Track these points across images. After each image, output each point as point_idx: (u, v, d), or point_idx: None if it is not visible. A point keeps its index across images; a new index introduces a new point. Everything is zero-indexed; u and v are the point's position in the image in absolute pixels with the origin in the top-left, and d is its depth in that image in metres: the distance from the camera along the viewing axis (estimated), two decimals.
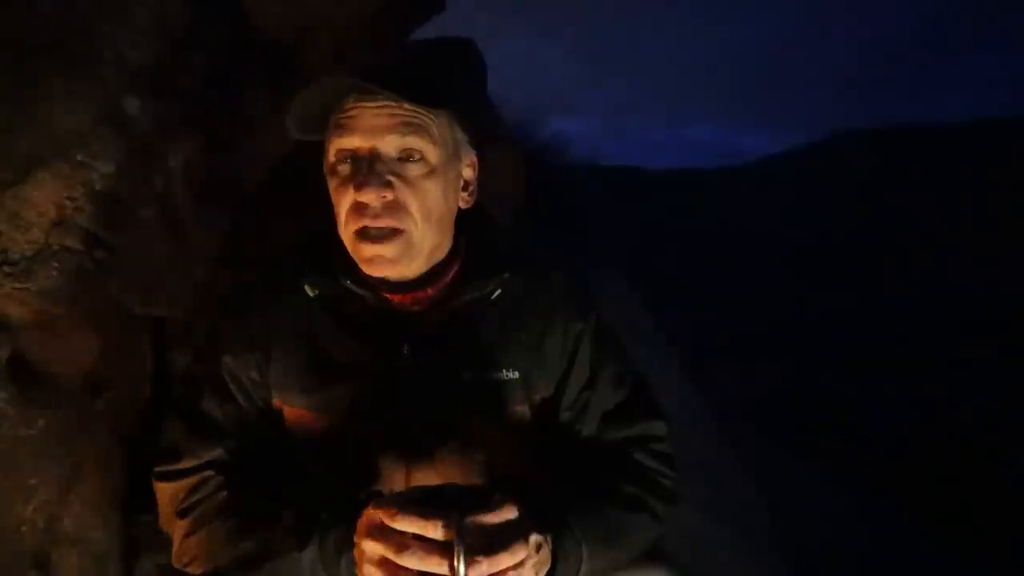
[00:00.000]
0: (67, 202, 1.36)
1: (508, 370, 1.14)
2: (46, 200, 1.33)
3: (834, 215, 18.33)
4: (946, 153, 19.56)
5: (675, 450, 1.22)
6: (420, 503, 0.87)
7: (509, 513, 0.88)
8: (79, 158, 1.39)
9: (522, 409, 1.15)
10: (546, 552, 0.96)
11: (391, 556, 0.85)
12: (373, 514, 0.89)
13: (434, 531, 0.84)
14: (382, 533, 0.86)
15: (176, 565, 1.09)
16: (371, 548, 0.88)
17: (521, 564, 0.88)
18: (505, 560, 0.85)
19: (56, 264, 1.33)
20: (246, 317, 1.16)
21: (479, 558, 0.83)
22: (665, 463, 1.19)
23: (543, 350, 1.18)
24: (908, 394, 9.13)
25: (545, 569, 0.96)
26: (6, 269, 1.26)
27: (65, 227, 1.36)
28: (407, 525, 0.84)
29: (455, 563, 0.82)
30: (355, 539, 0.92)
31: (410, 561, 0.83)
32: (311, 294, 1.14)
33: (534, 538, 0.91)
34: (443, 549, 0.83)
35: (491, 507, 0.87)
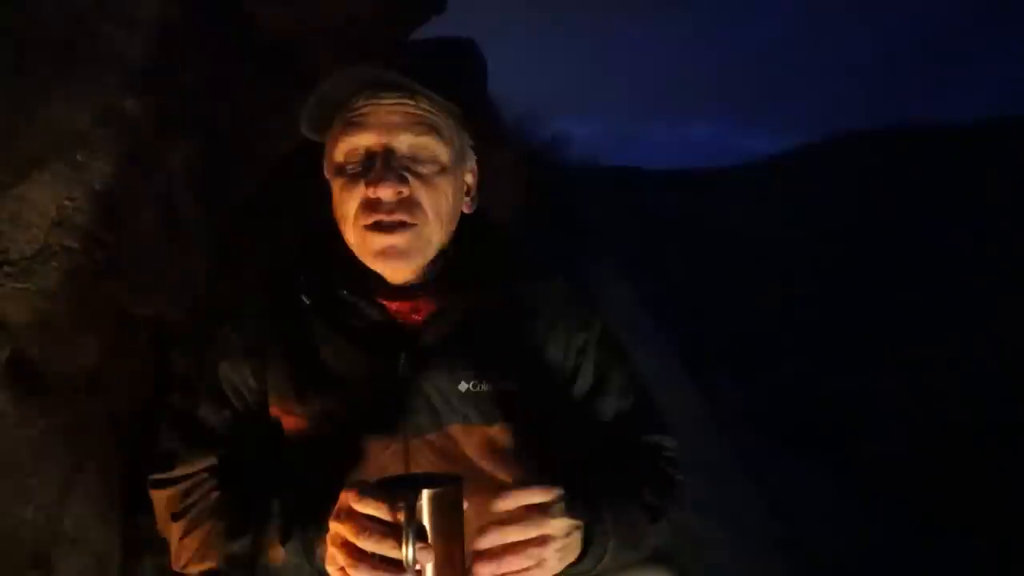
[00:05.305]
0: (67, 202, 1.36)
1: (508, 380, 1.11)
2: (46, 200, 1.33)
3: (835, 215, 18.30)
4: (947, 153, 19.53)
5: (681, 459, 1.22)
6: (386, 488, 0.87)
7: (540, 495, 0.89)
8: (79, 158, 1.38)
9: (523, 420, 1.13)
10: (575, 540, 0.96)
11: (350, 538, 0.86)
12: (343, 498, 0.90)
13: (386, 514, 0.84)
14: (347, 516, 0.87)
15: (175, 568, 1.09)
16: (335, 530, 0.89)
17: (543, 543, 0.88)
18: (514, 533, 0.86)
19: (56, 264, 1.33)
20: (244, 325, 1.16)
21: (428, 544, 0.83)
22: (675, 469, 1.19)
23: (545, 360, 1.16)
24: (908, 394, 9.12)
25: (571, 556, 0.96)
26: (6, 269, 1.26)
27: (65, 227, 1.35)
28: (365, 508, 0.85)
29: (404, 547, 0.82)
30: (329, 523, 0.93)
31: (366, 543, 0.84)
32: (307, 302, 1.13)
33: (561, 523, 0.91)
34: (395, 533, 0.83)
35: (452, 493, 0.87)
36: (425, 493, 0.84)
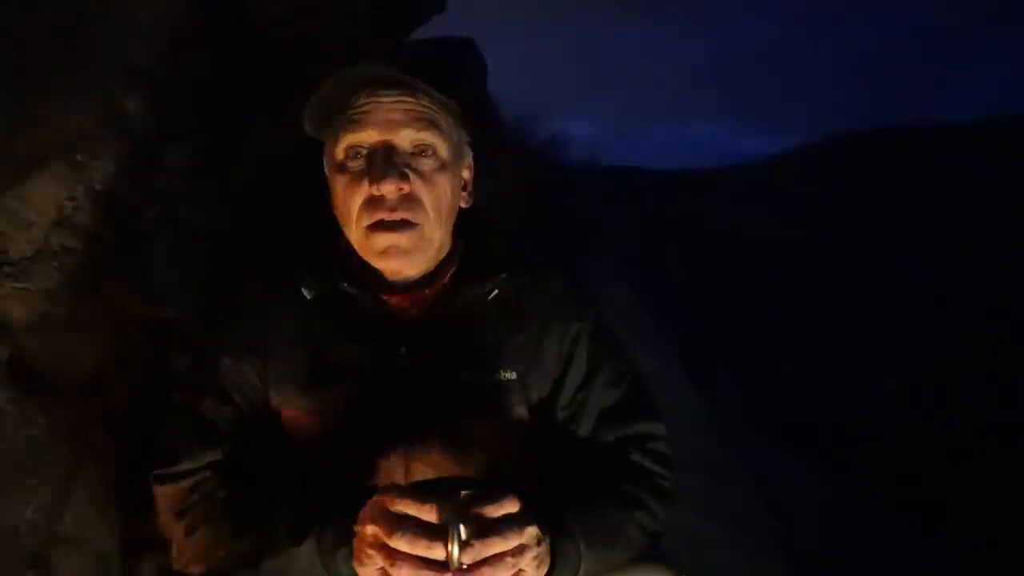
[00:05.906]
0: (67, 202, 1.36)
1: (506, 371, 1.14)
2: (46, 200, 1.33)
3: (835, 215, 18.31)
4: (947, 153, 19.54)
5: (672, 450, 1.22)
6: (422, 491, 0.89)
7: (510, 505, 0.89)
8: (79, 158, 1.39)
9: (520, 410, 1.15)
10: (546, 549, 0.96)
11: (384, 538, 0.86)
12: (376, 500, 0.91)
13: (429, 514, 0.85)
14: (382, 517, 0.88)
15: (176, 567, 1.09)
16: (370, 531, 0.89)
17: (520, 552, 0.88)
18: (497, 545, 0.86)
19: (56, 264, 1.33)
20: (244, 320, 1.16)
21: (473, 542, 0.84)
22: (662, 463, 1.18)
23: (541, 351, 1.17)
24: (908, 394, 9.13)
25: (545, 566, 0.96)
26: (6, 269, 1.26)
27: (65, 227, 1.35)
28: (405, 508, 0.86)
29: (449, 546, 0.84)
30: (356, 527, 0.93)
31: (401, 543, 0.85)
32: (308, 296, 1.14)
33: (532, 530, 0.91)
34: (438, 533, 0.85)
35: (490, 496, 0.88)
36: (465, 493, 0.87)
